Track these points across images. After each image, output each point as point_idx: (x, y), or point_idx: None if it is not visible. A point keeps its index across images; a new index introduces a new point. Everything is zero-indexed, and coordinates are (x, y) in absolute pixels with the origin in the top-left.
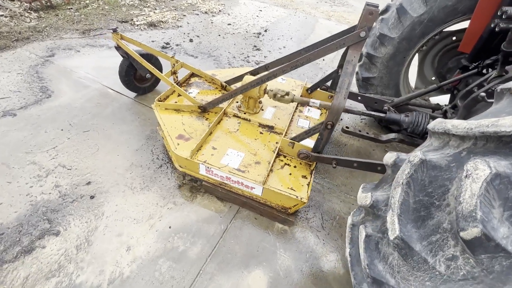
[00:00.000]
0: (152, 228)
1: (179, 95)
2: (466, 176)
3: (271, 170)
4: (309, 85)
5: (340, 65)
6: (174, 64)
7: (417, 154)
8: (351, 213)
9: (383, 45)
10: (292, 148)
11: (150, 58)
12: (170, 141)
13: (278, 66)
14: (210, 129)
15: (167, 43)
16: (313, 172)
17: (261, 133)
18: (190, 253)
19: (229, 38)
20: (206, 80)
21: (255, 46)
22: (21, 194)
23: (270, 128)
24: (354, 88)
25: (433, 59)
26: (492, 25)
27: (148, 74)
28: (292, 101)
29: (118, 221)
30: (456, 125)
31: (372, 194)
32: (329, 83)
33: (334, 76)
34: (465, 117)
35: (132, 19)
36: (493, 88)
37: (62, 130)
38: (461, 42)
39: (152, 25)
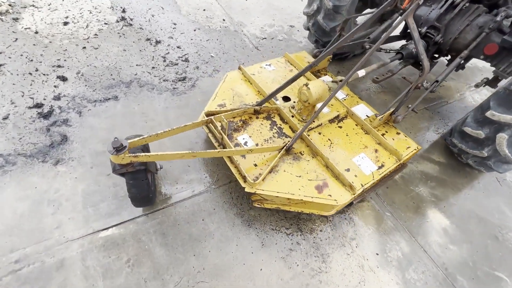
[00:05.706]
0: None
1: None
2: None
3: (389, 148)
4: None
5: (342, 28)
6: (220, 123)
7: None
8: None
9: None
10: (380, 119)
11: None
12: (325, 200)
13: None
14: (322, 158)
15: (49, 106)
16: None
17: (340, 127)
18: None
19: (103, 45)
20: (228, 117)
21: (147, 39)
22: None
23: (337, 118)
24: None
25: None
26: None
27: (160, 166)
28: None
29: None
30: None
31: None
32: None
33: (336, 40)
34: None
35: None
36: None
37: None
38: None
39: None
